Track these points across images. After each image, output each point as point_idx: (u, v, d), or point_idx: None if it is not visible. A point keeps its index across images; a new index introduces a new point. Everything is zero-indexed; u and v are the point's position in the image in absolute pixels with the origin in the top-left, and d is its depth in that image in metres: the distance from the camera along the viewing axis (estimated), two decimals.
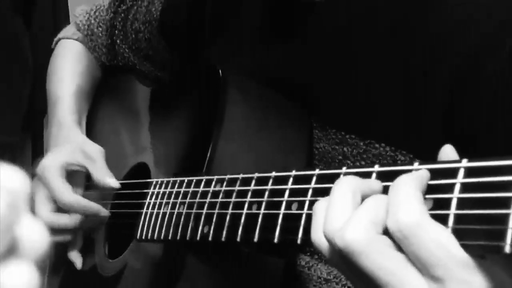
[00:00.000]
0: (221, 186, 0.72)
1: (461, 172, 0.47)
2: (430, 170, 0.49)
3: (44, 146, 1.15)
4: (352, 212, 0.51)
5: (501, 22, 0.71)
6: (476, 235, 0.45)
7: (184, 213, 0.77)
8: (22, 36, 1.85)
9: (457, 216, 0.46)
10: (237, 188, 0.69)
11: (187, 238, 0.75)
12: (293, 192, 0.61)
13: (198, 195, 0.75)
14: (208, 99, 0.85)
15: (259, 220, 0.64)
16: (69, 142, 1.08)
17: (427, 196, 0.48)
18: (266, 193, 0.65)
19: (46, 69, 1.25)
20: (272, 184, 0.64)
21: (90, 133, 1.17)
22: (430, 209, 0.48)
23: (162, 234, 0.80)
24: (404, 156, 0.75)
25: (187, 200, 0.77)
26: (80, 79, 1.19)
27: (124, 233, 0.94)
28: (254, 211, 0.65)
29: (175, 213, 0.79)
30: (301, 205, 0.60)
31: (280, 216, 0.61)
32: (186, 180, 0.79)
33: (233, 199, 0.69)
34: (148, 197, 0.87)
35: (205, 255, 0.79)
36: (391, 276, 0.49)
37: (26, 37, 1.86)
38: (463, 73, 0.71)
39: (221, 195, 0.71)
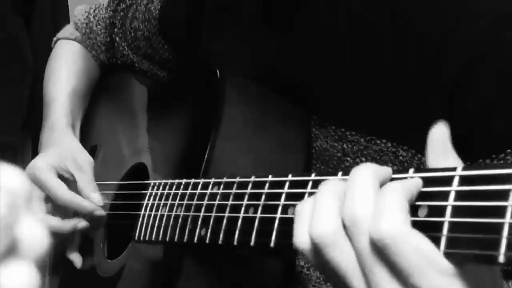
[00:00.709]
0: (218, 189, 0.72)
1: (456, 180, 0.47)
2: (425, 178, 0.49)
3: (38, 148, 1.15)
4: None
5: (501, 15, 0.71)
6: (470, 244, 0.44)
7: (181, 215, 0.77)
8: (22, 36, 1.85)
9: (451, 224, 0.46)
10: (234, 191, 0.69)
11: (185, 240, 0.75)
12: (289, 196, 0.62)
13: (196, 197, 0.75)
14: (206, 99, 0.85)
15: (256, 224, 0.64)
16: (60, 146, 1.07)
17: (422, 203, 0.49)
18: (263, 196, 0.65)
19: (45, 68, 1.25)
20: (269, 188, 0.64)
21: (89, 133, 1.17)
22: (425, 216, 0.48)
23: (160, 236, 0.81)
24: (405, 152, 0.75)
25: (185, 202, 0.77)
26: (76, 80, 1.19)
27: (123, 233, 0.94)
28: (250, 214, 0.65)
29: (173, 215, 0.79)
30: None
31: (277, 221, 0.61)
32: (183, 182, 0.79)
33: (230, 202, 0.69)
34: (146, 198, 0.87)
35: (204, 256, 0.79)
36: (365, 276, 0.49)
37: (26, 37, 1.85)
38: (465, 68, 0.71)
39: (218, 198, 0.71)
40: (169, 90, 1.04)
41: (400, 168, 0.70)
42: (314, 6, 0.83)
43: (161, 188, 0.84)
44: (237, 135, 0.81)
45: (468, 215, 0.45)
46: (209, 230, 0.71)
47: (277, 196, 0.62)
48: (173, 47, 1.09)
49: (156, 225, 0.82)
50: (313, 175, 0.60)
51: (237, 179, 0.70)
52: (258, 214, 0.64)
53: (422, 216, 0.48)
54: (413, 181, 0.50)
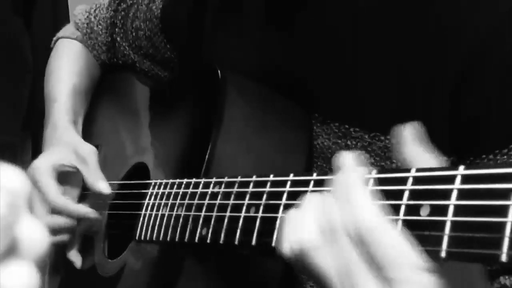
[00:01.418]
0: (220, 188, 0.72)
1: (458, 179, 0.47)
2: (427, 177, 0.49)
3: (42, 146, 1.15)
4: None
5: (506, 11, 0.71)
6: (472, 243, 0.44)
7: (182, 215, 0.77)
8: (22, 36, 1.85)
9: (454, 223, 0.46)
10: (235, 190, 0.69)
11: (186, 240, 0.75)
12: (291, 195, 0.61)
13: (197, 196, 0.75)
14: (207, 99, 0.85)
15: (257, 223, 0.64)
16: (62, 143, 1.07)
17: (424, 202, 0.48)
18: (264, 195, 0.65)
19: (46, 68, 1.25)
20: (271, 187, 0.64)
21: (90, 133, 1.17)
22: (427, 215, 0.48)
23: (161, 236, 0.81)
24: None
25: (186, 201, 0.77)
26: (77, 78, 1.19)
27: (124, 233, 0.94)
28: (252, 214, 0.65)
29: (174, 215, 0.79)
30: None
31: (278, 220, 0.61)
32: (184, 182, 0.79)
33: (231, 201, 0.69)
34: (147, 197, 0.87)
35: (204, 256, 0.79)
36: (344, 277, 0.49)
37: (26, 37, 1.86)
38: (469, 63, 0.71)
39: (219, 197, 0.71)
40: (170, 89, 1.04)
41: None
42: (316, 4, 0.83)
43: (162, 187, 0.84)
44: (238, 134, 0.81)
45: (470, 214, 0.45)
46: (210, 230, 0.71)
47: (279, 195, 0.62)
48: (174, 47, 1.09)
49: (157, 224, 0.82)
50: (314, 174, 0.60)
51: (239, 179, 0.69)
52: (260, 214, 0.64)
53: (424, 215, 0.48)
54: (362, 172, 0.52)
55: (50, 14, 1.97)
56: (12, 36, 1.81)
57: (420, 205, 0.48)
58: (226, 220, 0.69)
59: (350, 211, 0.49)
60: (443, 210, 0.47)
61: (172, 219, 0.79)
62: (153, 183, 0.87)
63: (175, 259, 0.82)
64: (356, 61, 0.80)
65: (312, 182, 0.59)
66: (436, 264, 0.47)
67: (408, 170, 0.50)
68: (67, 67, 1.21)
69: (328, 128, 0.82)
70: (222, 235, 0.69)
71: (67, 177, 1.04)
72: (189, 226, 0.75)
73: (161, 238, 0.80)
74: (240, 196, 0.68)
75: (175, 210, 0.79)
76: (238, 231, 0.66)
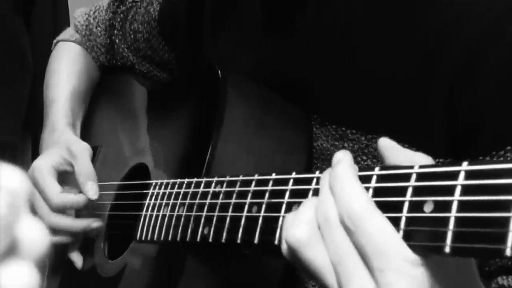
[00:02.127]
0: (221, 188, 0.72)
1: (462, 175, 0.47)
2: (431, 173, 0.49)
3: (39, 149, 1.14)
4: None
5: (501, 11, 0.71)
6: (477, 238, 0.44)
7: (183, 215, 0.77)
8: (22, 36, 1.85)
9: (457, 219, 0.46)
10: (237, 189, 0.69)
11: (187, 239, 0.75)
12: (294, 194, 0.61)
13: (198, 196, 0.75)
14: (208, 100, 0.85)
15: (259, 222, 0.64)
16: (59, 143, 1.07)
17: (428, 198, 0.48)
18: (266, 194, 0.65)
19: (45, 69, 1.25)
20: (273, 186, 0.64)
21: (89, 134, 1.17)
22: (431, 212, 0.48)
23: (162, 236, 0.80)
24: None
25: (187, 201, 0.77)
26: (76, 80, 1.19)
27: (124, 233, 0.94)
28: (254, 213, 0.65)
29: (175, 215, 0.79)
30: None
31: (281, 218, 0.61)
32: (185, 182, 0.79)
33: (233, 201, 0.69)
34: (148, 198, 0.87)
35: (205, 256, 0.79)
36: (337, 266, 0.50)
37: (26, 37, 1.86)
38: (465, 65, 0.71)
39: (221, 197, 0.71)
40: (170, 90, 1.04)
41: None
42: (314, 6, 0.83)
43: (162, 187, 0.84)
44: (238, 135, 0.81)
45: (474, 209, 0.45)
46: (212, 229, 0.71)
47: (281, 194, 0.62)
48: (172, 49, 1.09)
49: (158, 224, 0.82)
50: (317, 172, 0.59)
51: (241, 177, 0.69)
52: (262, 213, 0.64)
53: (428, 212, 0.48)
54: (352, 163, 0.53)
55: (50, 14, 1.98)
56: (12, 36, 1.81)
57: (424, 202, 0.48)
58: (228, 220, 0.69)
59: (340, 201, 0.50)
60: (447, 206, 0.46)
61: (173, 219, 0.79)
62: (153, 184, 0.87)
63: (176, 260, 0.82)
64: (352, 63, 0.80)
65: (314, 180, 0.59)
66: (424, 258, 0.47)
67: (412, 167, 0.50)
68: (65, 70, 1.21)
69: (326, 130, 0.82)
70: (224, 234, 0.69)
71: (67, 177, 1.04)
72: (190, 226, 0.75)
73: (162, 238, 0.80)
74: (242, 195, 0.68)
75: (176, 210, 0.79)
76: (240, 230, 0.66)
